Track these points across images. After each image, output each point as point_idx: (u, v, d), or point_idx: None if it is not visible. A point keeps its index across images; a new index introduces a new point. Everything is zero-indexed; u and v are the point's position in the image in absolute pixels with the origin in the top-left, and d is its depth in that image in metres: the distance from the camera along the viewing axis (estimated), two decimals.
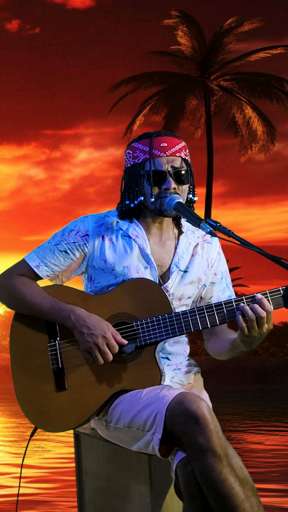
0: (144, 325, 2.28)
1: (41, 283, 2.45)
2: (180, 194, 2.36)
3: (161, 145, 2.36)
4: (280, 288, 2.26)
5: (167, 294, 2.32)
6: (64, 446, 7.54)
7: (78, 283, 2.51)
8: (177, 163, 2.36)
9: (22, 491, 4.96)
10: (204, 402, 2.07)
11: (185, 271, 2.42)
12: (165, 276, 2.41)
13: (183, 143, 2.40)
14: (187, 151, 2.41)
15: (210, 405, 2.23)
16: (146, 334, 2.28)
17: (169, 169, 2.35)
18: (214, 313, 2.27)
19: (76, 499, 2.69)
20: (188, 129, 25.74)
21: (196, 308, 2.28)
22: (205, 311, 2.27)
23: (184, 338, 2.48)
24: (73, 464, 2.76)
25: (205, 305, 2.28)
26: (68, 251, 2.41)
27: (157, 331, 2.28)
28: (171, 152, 2.35)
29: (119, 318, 2.32)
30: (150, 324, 2.28)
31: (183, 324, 2.27)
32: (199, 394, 2.24)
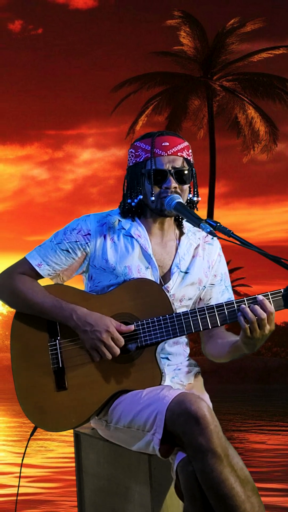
0: (145, 326, 2.28)
1: (42, 282, 2.45)
2: (181, 194, 2.36)
3: (163, 144, 2.35)
4: (282, 290, 2.25)
5: (168, 295, 2.32)
6: (67, 446, 7.54)
7: (78, 283, 2.51)
8: (179, 162, 2.35)
9: (24, 490, 4.97)
10: (204, 403, 2.06)
11: (186, 272, 2.41)
12: (166, 277, 2.41)
13: (186, 143, 2.39)
14: (190, 151, 2.40)
15: (211, 405, 2.23)
16: (147, 334, 2.28)
17: (170, 168, 2.34)
18: (215, 314, 2.26)
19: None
20: (191, 129, 25.76)
21: (197, 308, 2.28)
22: (206, 311, 2.27)
23: (184, 339, 2.47)
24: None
25: (206, 306, 2.28)
26: (70, 250, 2.41)
27: (158, 331, 2.27)
28: (172, 152, 2.35)
29: (120, 318, 2.31)
30: (151, 325, 2.28)
31: (184, 325, 2.27)
32: (199, 395, 2.24)
